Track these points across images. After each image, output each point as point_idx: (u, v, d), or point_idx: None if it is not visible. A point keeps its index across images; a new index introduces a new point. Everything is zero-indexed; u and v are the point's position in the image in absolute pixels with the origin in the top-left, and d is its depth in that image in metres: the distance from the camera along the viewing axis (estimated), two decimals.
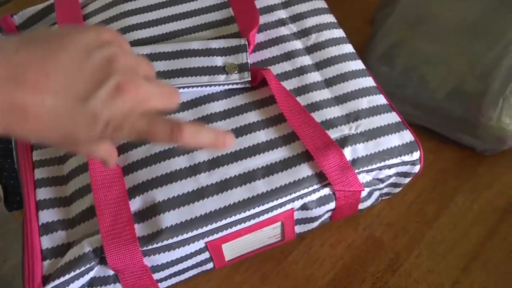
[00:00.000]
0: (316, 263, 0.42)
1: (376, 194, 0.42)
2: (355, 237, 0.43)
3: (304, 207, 0.38)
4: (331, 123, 0.39)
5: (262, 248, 0.41)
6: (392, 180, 0.41)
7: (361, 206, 0.42)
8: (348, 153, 0.38)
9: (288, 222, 0.39)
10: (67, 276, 0.34)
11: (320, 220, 0.41)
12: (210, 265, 0.39)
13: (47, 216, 0.37)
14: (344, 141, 0.38)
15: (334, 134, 0.38)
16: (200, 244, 0.36)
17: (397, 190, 0.43)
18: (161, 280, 0.38)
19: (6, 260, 1.07)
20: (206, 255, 0.38)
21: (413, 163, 0.39)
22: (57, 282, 0.34)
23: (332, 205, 0.39)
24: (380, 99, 0.41)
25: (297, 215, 0.39)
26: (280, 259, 0.42)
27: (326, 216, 0.41)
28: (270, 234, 0.40)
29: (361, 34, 0.54)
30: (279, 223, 0.38)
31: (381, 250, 0.43)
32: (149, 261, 0.35)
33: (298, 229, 0.41)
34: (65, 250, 0.35)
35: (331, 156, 0.37)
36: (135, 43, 0.43)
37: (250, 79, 0.40)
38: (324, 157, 0.37)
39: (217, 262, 0.39)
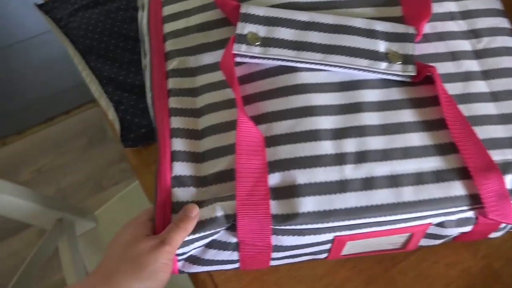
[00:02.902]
0: (426, 279, 0.40)
1: (509, 226, 0.39)
2: (472, 263, 0.41)
3: (440, 224, 0.35)
4: (493, 143, 0.35)
5: (377, 252, 0.39)
6: None
7: (491, 235, 0.39)
8: (509, 181, 0.34)
9: (418, 235, 0.36)
10: (196, 235, 0.33)
11: (445, 239, 0.38)
12: (323, 256, 0.38)
13: (180, 169, 0.36)
14: (505, 167, 0.34)
15: (495, 156, 0.35)
16: (329, 236, 0.34)
17: None
18: (274, 259, 0.37)
19: (66, 175, 1.11)
20: (327, 246, 0.36)
21: None
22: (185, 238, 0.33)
23: (468, 228, 0.36)
24: None
25: (429, 230, 0.36)
26: (389, 265, 0.41)
27: (454, 236, 0.39)
28: (393, 241, 0.38)
29: None
30: (409, 234, 0.36)
31: (497, 284, 0.40)
32: (274, 240, 0.34)
33: (422, 242, 0.38)
34: None
35: (491, 180, 0.33)
36: (292, 6, 0.40)
37: (414, 73, 0.37)
38: (483, 179, 0.33)
39: (332, 255, 0.38)
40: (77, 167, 1.11)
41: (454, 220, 0.35)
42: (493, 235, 0.39)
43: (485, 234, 0.38)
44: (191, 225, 0.33)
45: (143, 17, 0.45)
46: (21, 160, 1.14)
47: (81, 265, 0.61)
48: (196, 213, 0.33)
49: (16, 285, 0.50)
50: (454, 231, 0.36)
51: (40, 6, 0.55)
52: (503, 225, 0.37)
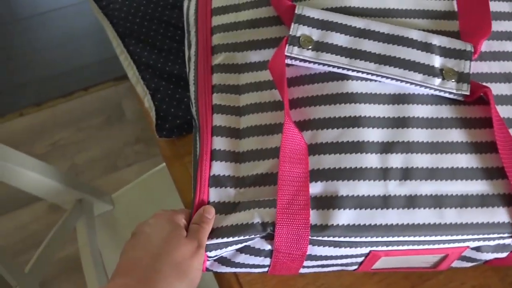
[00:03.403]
0: None
1: None
2: None
3: (477, 248, 0.35)
4: None
5: (408, 268, 0.39)
6: None
7: None
8: None
9: (453, 256, 0.36)
10: (230, 239, 0.33)
11: (477, 263, 0.38)
12: (353, 268, 0.38)
13: (219, 168, 0.35)
14: None
15: None
16: (365, 250, 0.34)
17: None
18: (303, 267, 0.37)
19: (81, 151, 1.11)
20: (360, 259, 0.36)
21: None
22: (219, 240, 0.33)
23: (503, 254, 0.36)
24: None
25: (465, 252, 0.36)
26: (416, 282, 0.40)
27: (486, 260, 0.38)
28: (426, 260, 0.37)
29: None
30: (444, 255, 0.36)
31: None
32: (309, 249, 0.34)
33: (453, 264, 0.38)
34: (230, 209, 0.34)
35: None
36: (346, 10, 0.39)
37: (468, 93, 0.36)
38: None
39: (362, 267, 0.37)
40: (92, 145, 1.11)
41: (492, 245, 0.35)
42: None
43: None
44: (211, 226, 0.33)
45: (190, 6, 0.44)
46: (36, 132, 1.14)
47: (97, 247, 0.61)
48: (213, 215, 0.34)
49: (35, 263, 0.50)
50: (489, 256, 0.36)
51: None
52: None
